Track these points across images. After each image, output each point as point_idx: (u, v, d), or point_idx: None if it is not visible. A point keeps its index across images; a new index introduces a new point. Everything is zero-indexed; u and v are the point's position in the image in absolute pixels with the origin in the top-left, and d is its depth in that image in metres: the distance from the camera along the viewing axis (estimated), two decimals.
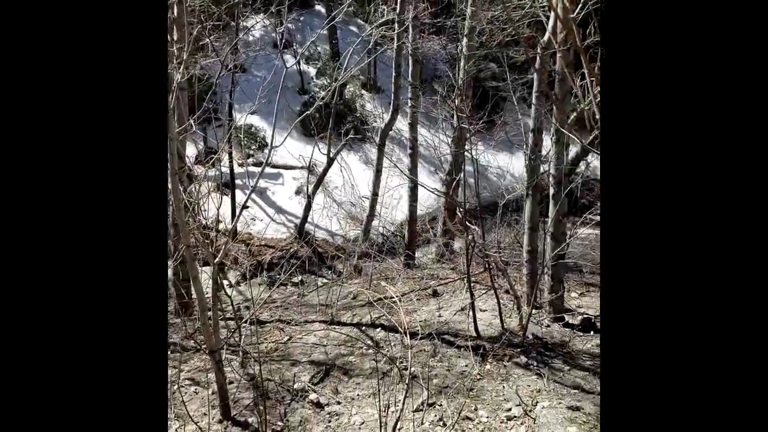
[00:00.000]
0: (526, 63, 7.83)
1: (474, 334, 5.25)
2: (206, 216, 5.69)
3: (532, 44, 7.60)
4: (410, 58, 8.97)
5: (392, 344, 5.29)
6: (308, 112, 7.86)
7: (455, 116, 6.66)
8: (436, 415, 4.06)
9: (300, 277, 8.78)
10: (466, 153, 6.00)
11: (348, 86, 13.86)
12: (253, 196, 11.17)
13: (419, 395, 4.27)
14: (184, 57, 4.03)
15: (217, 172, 9.28)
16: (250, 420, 4.04)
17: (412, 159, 9.37)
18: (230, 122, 9.92)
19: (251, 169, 11.70)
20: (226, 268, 9.20)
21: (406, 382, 3.33)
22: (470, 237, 5.43)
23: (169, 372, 4.80)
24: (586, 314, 5.83)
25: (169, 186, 3.63)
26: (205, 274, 5.68)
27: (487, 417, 4.05)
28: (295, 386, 4.56)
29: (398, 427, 3.38)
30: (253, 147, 12.02)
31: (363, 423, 4.06)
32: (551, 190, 5.58)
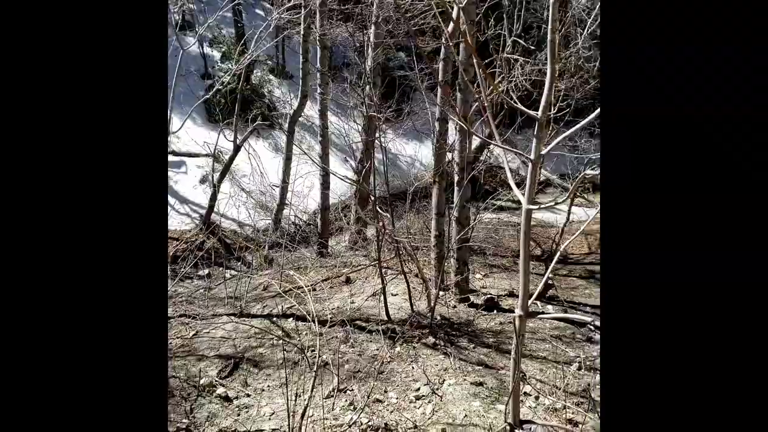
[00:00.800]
0: (434, 52, 8.03)
1: (385, 318, 5.36)
2: None
3: (438, 34, 7.80)
4: (318, 44, 8.86)
5: (303, 333, 5.25)
6: (208, 96, 7.53)
7: (365, 104, 6.68)
8: (346, 400, 4.11)
9: (207, 270, 8.44)
10: (375, 141, 6.05)
11: (255, 71, 13.43)
12: None
13: (330, 382, 4.29)
14: None
15: None
16: None
17: (322, 146, 9.30)
18: None
19: None
20: None
21: (314, 369, 3.33)
22: (381, 224, 5.51)
23: None
24: (490, 294, 6.14)
25: None
26: None
27: (397, 398, 4.16)
28: (202, 382, 4.40)
29: (307, 414, 3.37)
30: None
31: (273, 413, 4.00)
32: (455, 177, 5.79)
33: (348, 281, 6.93)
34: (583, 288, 7.14)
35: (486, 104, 2.39)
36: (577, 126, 2.47)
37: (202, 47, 13.34)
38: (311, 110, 11.78)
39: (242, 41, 11.26)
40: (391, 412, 4.00)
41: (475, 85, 5.46)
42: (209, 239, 9.15)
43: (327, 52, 9.14)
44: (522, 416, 3.20)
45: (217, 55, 14.05)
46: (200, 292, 7.43)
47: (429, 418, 3.89)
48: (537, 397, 4.17)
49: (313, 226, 10.08)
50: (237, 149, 9.47)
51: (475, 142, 8.52)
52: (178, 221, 9.89)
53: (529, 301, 2.42)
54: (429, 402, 4.09)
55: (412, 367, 4.59)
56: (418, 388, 4.26)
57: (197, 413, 4.03)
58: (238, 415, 4.02)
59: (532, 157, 2.21)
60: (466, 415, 3.92)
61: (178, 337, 5.44)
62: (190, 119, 10.75)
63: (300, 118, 10.34)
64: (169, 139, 11.32)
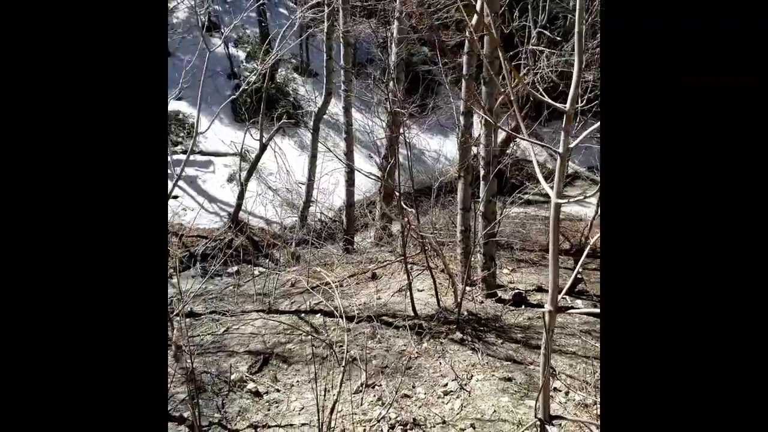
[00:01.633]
0: (457, 46, 7.97)
1: (412, 314, 5.36)
2: None
3: (461, 28, 7.72)
4: (341, 41, 8.88)
5: (331, 329, 5.29)
6: (234, 96, 7.62)
7: (389, 100, 6.67)
8: (375, 396, 4.13)
9: (236, 267, 8.58)
10: (400, 137, 6.03)
11: (280, 70, 13.56)
12: (183, 185, 10.75)
13: (359, 377, 4.31)
14: None
15: None
16: (185, 414, 3.93)
17: (347, 143, 9.34)
18: None
19: (180, 157, 11.25)
20: None
21: (343, 365, 3.35)
22: (406, 220, 5.51)
23: None
24: (517, 289, 6.08)
25: None
26: None
27: (425, 393, 4.16)
28: (233, 377, 4.48)
29: (336, 409, 3.40)
30: (182, 134, 11.54)
31: (303, 408, 4.05)
32: (481, 172, 5.74)
33: (374, 277, 6.95)
34: None
35: (512, 97, 2.36)
36: None
37: (228, 48, 13.52)
38: (336, 107, 11.81)
39: (267, 41, 11.36)
40: (420, 407, 4.01)
41: (500, 78, 5.40)
42: (237, 237, 9.30)
43: (350, 49, 9.15)
44: (552, 412, 3.16)
45: (242, 55, 14.23)
46: (230, 289, 7.56)
47: (457, 414, 3.89)
48: (567, 393, 4.12)
49: (339, 223, 10.13)
50: (263, 148, 9.58)
51: (501, 135, 8.43)
52: (207, 219, 10.07)
53: (559, 296, 2.39)
54: (457, 397, 4.08)
55: (440, 363, 4.58)
56: (446, 384, 4.26)
57: (228, 408, 4.11)
58: (269, 409, 4.09)
59: (560, 150, 2.17)
60: (494, 411, 3.89)
61: (209, 334, 5.56)
62: (217, 119, 10.92)
63: (325, 116, 10.39)
64: (196, 139, 11.54)
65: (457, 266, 6.21)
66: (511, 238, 8.07)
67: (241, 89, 9.75)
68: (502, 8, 6.24)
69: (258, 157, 9.70)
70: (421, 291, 6.14)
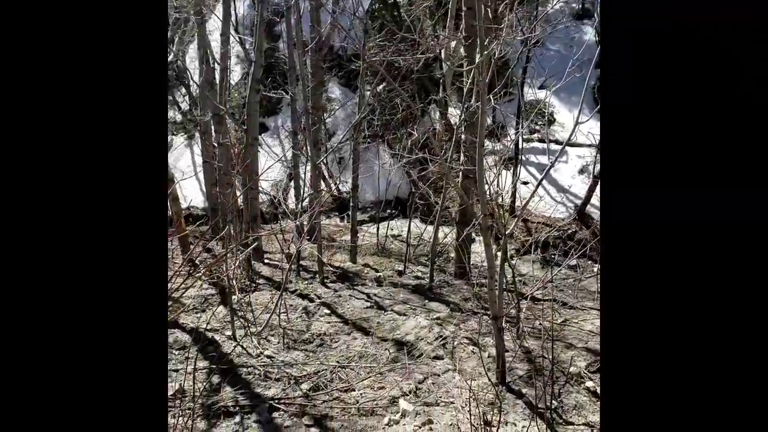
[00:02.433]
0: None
1: None
2: (495, 189, 5.95)
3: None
4: None
5: None
6: (596, 85, 7.32)
7: None
8: None
9: (575, 260, 8.46)
10: None
11: None
12: (535, 172, 11.13)
13: None
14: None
15: (503, 147, 9.53)
16: (523, 390, 4.18)
17: None
18: (520, 97, 9.98)
19: (536, 145, 11.65)
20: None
21: None
22: None
23: (450, 329, 5.30)
24: None
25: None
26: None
27: None
28: (571, 369, 4.50)
29: None
30: (540, 123, 11.89)
31: None
32: None
33: None
34: None
35: None
36: None
37: (598, 35, 13.07)
38: None
39: None
40: None
41: None
42: (582, 230, 9.12)
43: None
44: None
45: None
46: (569, 281, 7.54)
47: None
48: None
49: None
50: None
51: None
52: (553, 208, 10.21)
53: None
54: None
55: None
56: None
57: (564, 399, 4.16)
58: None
59: None
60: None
61: (547, 321, 5.69)
62: (576, 108, 10.80)
63: None
64: (550, 128, 11.69)
65: None
66: None
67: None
68: None
69: None
70: None
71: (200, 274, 4.00)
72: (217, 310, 5.67)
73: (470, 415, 3.69)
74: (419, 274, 7.52)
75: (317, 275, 7.35)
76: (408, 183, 10.58)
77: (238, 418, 3.67)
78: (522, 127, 9.44)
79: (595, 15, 12.80)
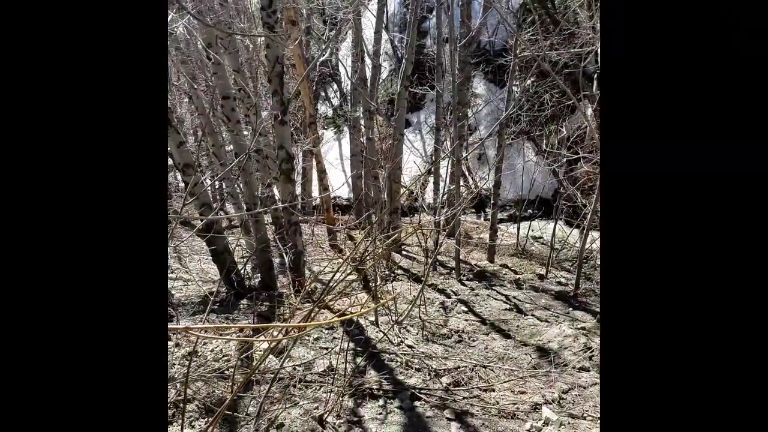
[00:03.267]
0: None
1: None
2: None
3: None
4: None
5: None
6: None
7: None
8: None
9: None
10: None
11: None
12: None
13: None
14: None
15: None
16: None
17: None
18: None
19: None
20: None
21: None
22: None
23: (597, 340, 4.96)
24: None
25: None
26: None
27: None
28: None
29: None
30: None
31: None
32: None
33: None
34: None
35: None
36: None
37: None
38: None
39: None
40: None
41: None
42: None
43: None
44: None
45: None
46: None
47: None
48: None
49: None
50: None
51: None
52: None
53: None
54: None
55: None
56: None
57: None
58: None
59: None
60: None
61: None
62: None
63: None
64: None
65: None
66: None
67: None
68: None
69: None
70: None
71: (347, 258, 4.22)
72: (359, 296, 5.95)
73: None
74: (562, 280, 7.17)
75: (453, 271, 7.36)
76: (553, 182, 10.11)
77: (381, 402, 3.82)
78: None
79: None
